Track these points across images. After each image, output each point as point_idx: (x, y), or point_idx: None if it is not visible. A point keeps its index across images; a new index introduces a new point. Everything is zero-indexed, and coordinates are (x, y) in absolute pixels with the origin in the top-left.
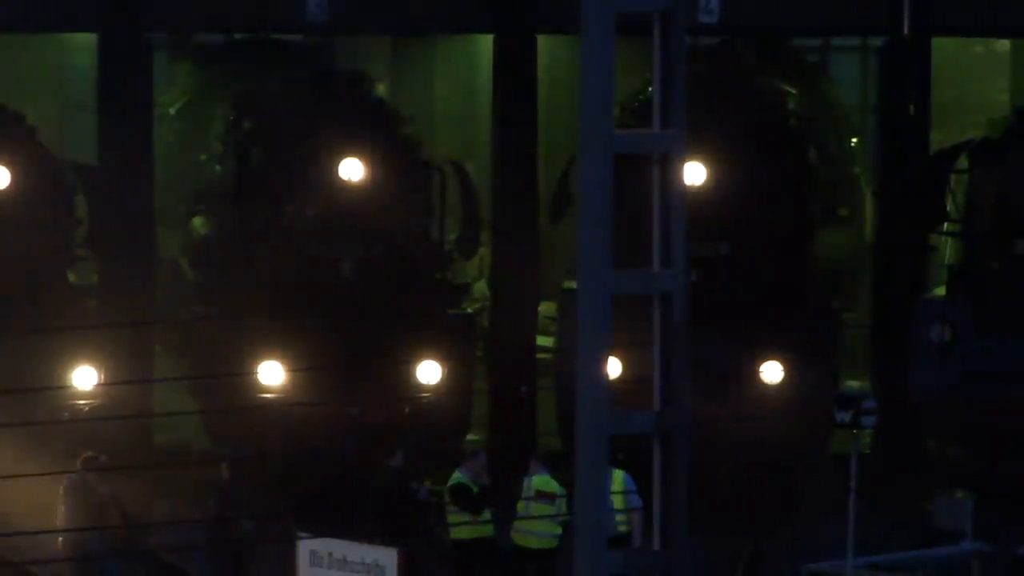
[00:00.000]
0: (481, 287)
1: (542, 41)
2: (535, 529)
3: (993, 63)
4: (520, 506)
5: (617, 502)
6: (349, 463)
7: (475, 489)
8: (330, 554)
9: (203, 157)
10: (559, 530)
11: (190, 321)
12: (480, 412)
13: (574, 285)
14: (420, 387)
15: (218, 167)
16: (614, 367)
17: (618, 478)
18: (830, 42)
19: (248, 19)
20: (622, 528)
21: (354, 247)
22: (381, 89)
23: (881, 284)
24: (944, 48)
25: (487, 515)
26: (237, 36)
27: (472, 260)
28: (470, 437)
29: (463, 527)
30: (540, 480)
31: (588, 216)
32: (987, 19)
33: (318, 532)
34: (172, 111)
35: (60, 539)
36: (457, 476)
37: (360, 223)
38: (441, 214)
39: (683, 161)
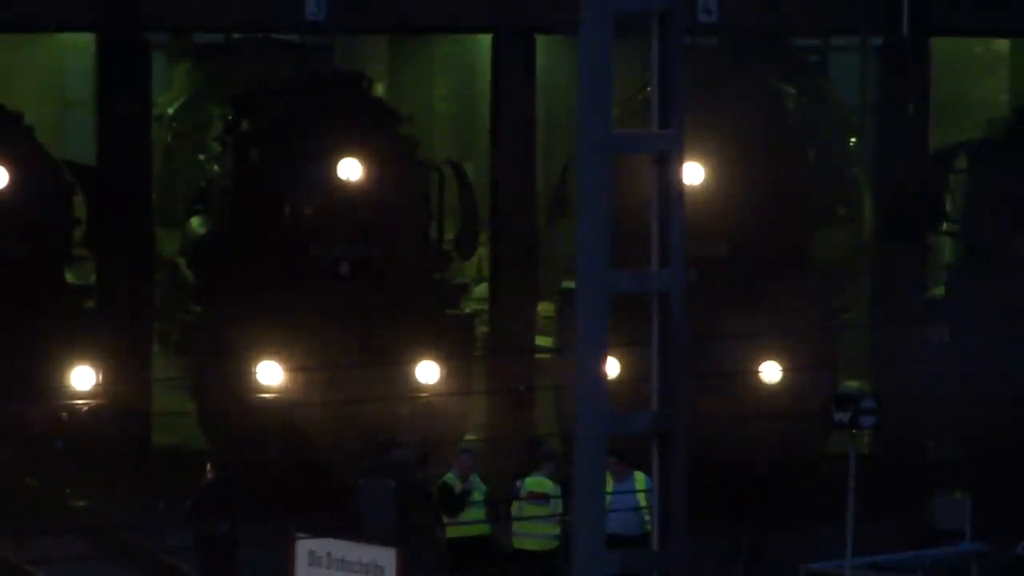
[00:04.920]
0: (480, 287)
1: (541, 41)
2: (527, 531)
3: (992, 63)
4: (514, 507)
5: (642, 500)
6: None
7: (458, 488)
8: (329, 554)
9: (201, 157)
10: (556, 531)
11: (190, 321)
12: (479, 412)
13: (573, 285)
14: (419, 387)
15: (216, 167)
16: (613, 367)
17: (640, 478)
18: (829, 42)
19: (247, 19)
20: (649, 528)
21: (352, 247)
22: (380, 89)
23: (881, 284)
24: (943, 48)
25: (478, 515)
26: (235, 36)
27: (471, 260)
28: (468, 437)
29: (452, 526)
30: (532, 481)
31: (587, 216)
32: (986, 19)
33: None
34: (170, 111)
35: None
36: (447, 476)
37: (358, 223)
38: (440, 214)
39: (682, 161)
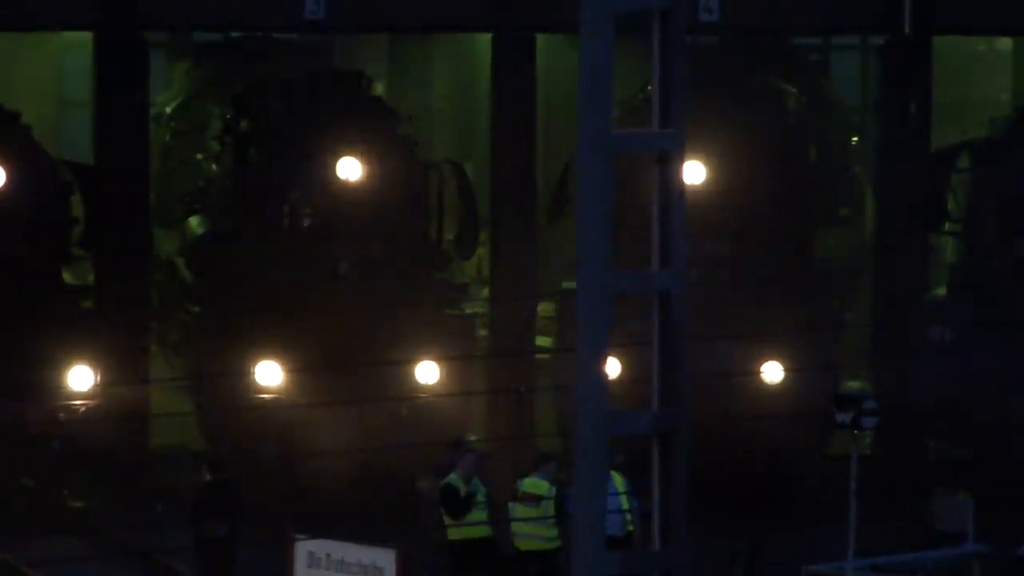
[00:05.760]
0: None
1: (541, 40)
2: (525, 531)
3: (995, 62)
4: (509, 507)
5: (623, 502)
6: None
7: (463, 490)
8: (328, 555)
9: (200, 156)
10: (552, 532)
11: (188, 321)
12: (479, 413)
13: (573, 285)
14: (418, 388)
15: (215, 166)
16: (613, 367)
17: (618, 479)
18: (831, 41)
19: (245, 17)
20: (631, 528)
21: (352, 247)
22: (379, 88)
23: (881, 284)
24: (945, 47)
25: (480, 516)
26: (234, 35)
27: (471, 260)
28: (469, 438)
29: (454, 528)
30: (530, 482)
31: (587, 216)
32: (989, 18)
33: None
34: (169, 110)
35: None
36: (450, 477)
37: (358, 223)
38: (439, 214)
39: (682, 161)
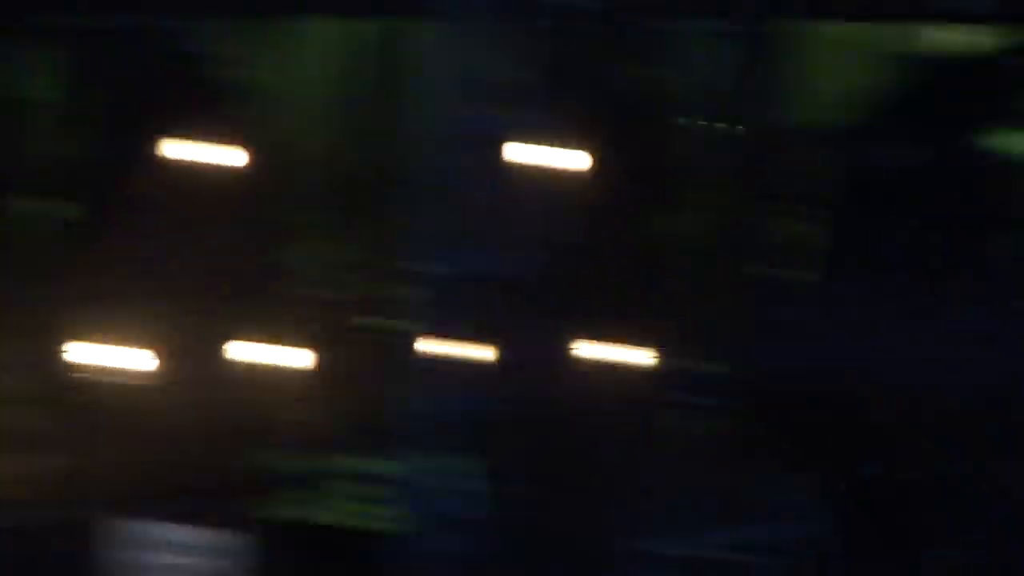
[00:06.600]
0: None
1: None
2: None
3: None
4: None
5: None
6: None
7: None
8: (168, 542)
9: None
10: None
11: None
12: None
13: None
14: None
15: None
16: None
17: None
18: (685, 26)
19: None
20: None
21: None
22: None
23: (734, 264)
24: (806, 33)
25: None
26: None
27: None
28: None
29: None
30: None
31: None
32: (840, 4)
33: None
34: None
35: None
36: None
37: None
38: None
39: (519, 144)
